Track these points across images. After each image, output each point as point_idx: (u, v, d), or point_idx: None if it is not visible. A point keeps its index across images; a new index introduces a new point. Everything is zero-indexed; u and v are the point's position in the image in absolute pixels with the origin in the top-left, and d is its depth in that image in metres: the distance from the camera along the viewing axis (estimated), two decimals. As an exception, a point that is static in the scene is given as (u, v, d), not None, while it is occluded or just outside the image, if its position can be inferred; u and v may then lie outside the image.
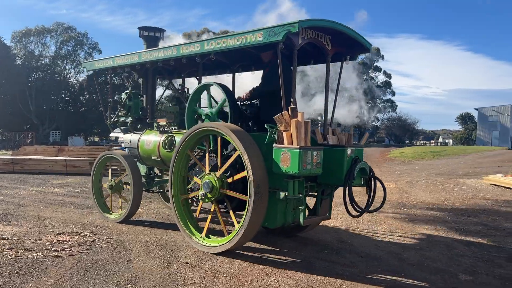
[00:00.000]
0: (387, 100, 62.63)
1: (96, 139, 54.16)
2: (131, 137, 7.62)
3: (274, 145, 4.95)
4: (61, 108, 49.03)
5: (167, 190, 7.59)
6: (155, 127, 7.24)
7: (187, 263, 5.07)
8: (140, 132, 7.51)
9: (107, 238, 6.09)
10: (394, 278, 4.74)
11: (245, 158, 4.92)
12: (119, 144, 8.14)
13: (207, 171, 5.58)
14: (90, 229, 6.60)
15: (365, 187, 5.49)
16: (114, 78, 43.45)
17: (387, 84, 62.27)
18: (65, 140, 43.76)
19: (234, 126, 5.31)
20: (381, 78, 61.83)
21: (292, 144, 4.78)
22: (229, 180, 5.39)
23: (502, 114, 49.80)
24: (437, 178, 15.67)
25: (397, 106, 64.38)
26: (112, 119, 7.87)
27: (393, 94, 63.71)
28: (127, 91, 7.92)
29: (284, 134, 4.83)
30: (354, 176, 5.18)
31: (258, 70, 7.08)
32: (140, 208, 8.22)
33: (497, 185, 13.22)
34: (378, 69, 60.64)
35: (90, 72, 8.73)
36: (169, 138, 6.77)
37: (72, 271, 4.62)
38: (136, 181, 6.96)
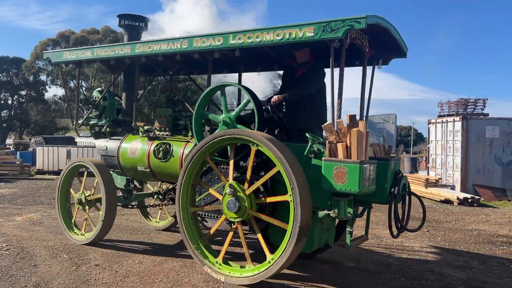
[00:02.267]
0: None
1: None
2: (107, 143, 6.45)
3: (324, 158, 4.27)
4: None
5: (149, 205, 6.57)
6: (140, 133, 6.17)
7: (97, 265, 5.16)
8: (119, 138, 6.37)
9: (7, 245, 5.87)
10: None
11: (290, 180, 4.19)
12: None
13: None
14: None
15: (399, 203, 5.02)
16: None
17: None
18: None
19: (270, 136, 4.54)
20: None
21: (349, 158, 4.14)
22: (260, 201, 4.60)
23: (388, 122, 53.56)
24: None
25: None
26: (81, 122, 6.61)
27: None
28: (100, 89, 6.73)
29: (339, 146, 4.18)
30: (400, 193, 4.68)
31: (264, 71, 6.36)
32: (39, 213, 8.35)
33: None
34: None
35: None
36: (163, 146, 5.77)
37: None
38: (110, 196, 5.79)
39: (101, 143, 6.53)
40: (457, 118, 16.23)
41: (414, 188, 12.14)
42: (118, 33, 40.33)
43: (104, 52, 5.84)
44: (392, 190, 4.65)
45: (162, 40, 5.31)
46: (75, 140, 7.63)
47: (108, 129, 6.45)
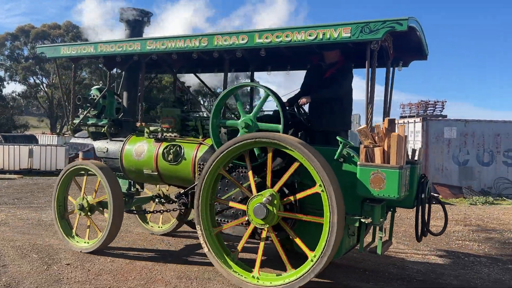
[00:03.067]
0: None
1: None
2: (108, 144, 6.08)
3: (359, 163, 4.15)
4: None
5: (150, 211, 6.24)
6: (146, 134, 5.84)
7: (68, 264, 5.14)
8: (121, 139, 6.01)
9: (-29, 248, 5.68)
10: None
11: (327, 189, 4.05)
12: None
13: (255, 193, 4.51)
14: None
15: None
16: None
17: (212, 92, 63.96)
18: None
19: (300, 140, 4.36)
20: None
21: (387, 162, 4.04)
22: (288, 200, 4.42)
23: (352, 122, 55.28)
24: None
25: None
26: (79, 121, 6.19)
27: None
28: (97, 86, 6.34)
29: (377, 150, 4.06)
30: (426, 197, 4.64)
31: (274, 71, 6.16)
32: (4, 214, 8.13)
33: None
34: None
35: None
36: (174, 148, 5.48)
37: None
38: (117, 201, 5.44)
39: (101, 144, 6.14)
40: (418, 119, 16.74)
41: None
42: (80, 28, 38.87)
43: (110, 48, 5.46)
44: (419, 194, 4.59)
45: (178, 37, 5.00)
46: (70, 141, 7.12)
47: (108, 130, 6.06)
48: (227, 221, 4.91)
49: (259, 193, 4.46)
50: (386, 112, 5.16)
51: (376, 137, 4.13)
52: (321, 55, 5.03)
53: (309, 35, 4.28)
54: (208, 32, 4.85)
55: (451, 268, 5.71)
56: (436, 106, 21.14)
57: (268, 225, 4.41)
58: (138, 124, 5.80)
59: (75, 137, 6.52)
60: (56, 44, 5.98)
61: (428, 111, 20.82)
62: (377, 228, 4.46)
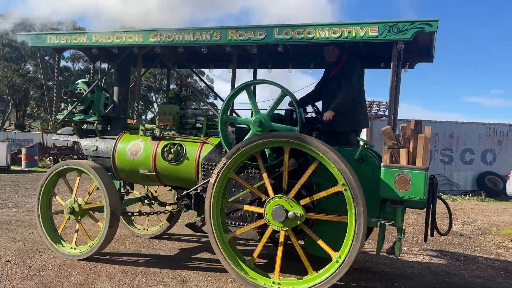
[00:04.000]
0: (210, 103, 64.07)
1: None
2: (97, 142, 5.65)
3: (383, 164, 4.10)
4: None
5: (138, 213, 5.89)
6: (141, 131, 5.50)
7: (8, 261, 5.06)
8: (112, 137, 5.62)
9: None
10: None
11: (352, 191, 3.97)
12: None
13: (272, 195, 4.35)
14: None
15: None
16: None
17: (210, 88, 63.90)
18: None
19: (321, 141, 4.25)
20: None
21: (412, 164, 4.02)
22: (305, 201, 4.29)
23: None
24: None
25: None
26: (63, 117, 5.70)
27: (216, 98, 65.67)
28: (84, 80, 5.88)
29: (402, 151, 4.04)
30: (436, 197, 4.69)
31: (276, 68, 6.02)
32: None
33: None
34: (201, 73, 61.74)
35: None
36: (174, 147, 5.18)
37: None
38: (113, 204, 5.10)
39: (90, 142, 5.69)
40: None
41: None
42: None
43: (107, 39, 5.06)
44: (430, 195, 4.63)
45: (186, 29, 4.73)
46: (53, 138, 6.52)
47: (98, 127, 5.64)
48: (235, 224, 4.72)
49: (277, 195, 4.30)
50: (396, 111, 5.15)
51: (401, 138, 4.10)
52: (324, 54, 4.97)
53: (333, 33, 4.18)
54: (221, 26, 4.60)
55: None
56: (381, 106, 21.94)
57: (287, 228, 4.27)
58: (134, 121, 5.44)
59: (58, 134, 6.00)
60: (41, 32, 5.44)
61: (373, 111, 21.55)
62: (397, 229, 4.43)
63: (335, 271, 4.08)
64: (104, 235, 4.99)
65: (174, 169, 5.20)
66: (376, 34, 4.04)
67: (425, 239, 4.85)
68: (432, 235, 4.84)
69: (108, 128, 5.82)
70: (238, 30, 4.51)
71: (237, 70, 5.07)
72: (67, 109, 5.78)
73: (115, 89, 5.79)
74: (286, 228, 4.26)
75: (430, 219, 4.63)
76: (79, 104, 5.66)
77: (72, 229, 6.12)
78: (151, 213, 5.82)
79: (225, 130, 4.73)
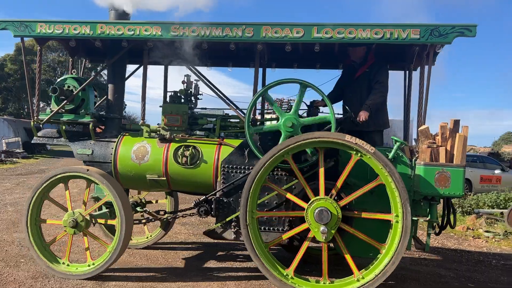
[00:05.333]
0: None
1: None
2: (93, 146, 5.06)
3: (424, 162, 4.24)
4: None
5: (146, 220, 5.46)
6: (146, 133, 5.05)
7: None
8: (111, 139, 5.08)
9: None
10: None
11: (400, 189, 4.03)
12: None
13: (313, 197, 4.26)
14: None
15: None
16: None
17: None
18: None
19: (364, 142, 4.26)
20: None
21: (449, 162, 4.22)
22: (344, 201, 4.28)
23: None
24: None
25: (126, 105, 63.37)
26: (48, 117, 5.00)
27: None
28: (72, 75, 5.24)
29: (441, 150, 4.21)
30: None
31: (279, 68, 5.90)
32: None
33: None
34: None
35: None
36: (189, 149, 4.84)
37: None
38: (128, 214, 4.65)
39: (82, 146, 5.07)
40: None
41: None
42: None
43: (116, 30, 4.54)
44: None
45: (214, 24, 4.42)
46: (33, 141, 5.61)
47: (93, 128, 5.05)
48: (264, 229, 4.58)
49: (318, 197, 4.22)
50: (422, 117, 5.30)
51: (439, 137, 4.27)
52: (350, 53, 5.02)
53: (375, 34, 4.21)
54: (253, 22, 4.38)
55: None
56: (290, 103, 22.89)
57: (333, 230, 4.21)
58: (141, 122, 4.99)
59: (39, 136, 5.25)
60: (29, 19, 4.67)
61: (282, 108, 22.45)
62: (427, 224, 4.59)
63: (383, 269, 4.12)
64: (120, 244, 4.48)
65: (189, 173, 4.86)
66: (418, 36, 4.16)
67: (438, 233, 5.11)
68: (444, 228, 5.12)
69: (99, 130, 5.26)
70: (273, 27, 4.34)
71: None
72: (50, 108, 5.09)
73: (110, 86, 5.24)
74: (333, 231, 4.20)
75: (447, 213, 4.90)
76: (67, 103, 5.01)
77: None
78: (152, 219, 5.36)
79: (255, 141, 4.57)
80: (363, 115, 4.73)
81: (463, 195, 4.22)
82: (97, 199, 5.02)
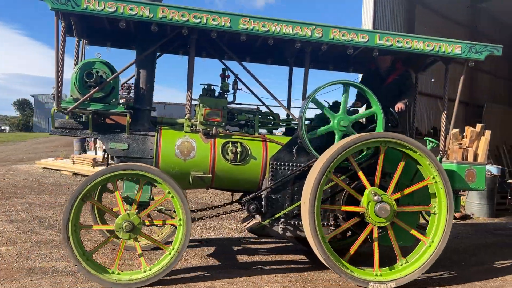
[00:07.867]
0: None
1: None
2: (130, 140, 4.58)
3: (457, 161, 4.91)
4: None
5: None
6: (187, 127, 4.76)
7: None
8: (149, 133, 4.67)
9: None
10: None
11: (446, 184, 4.59)
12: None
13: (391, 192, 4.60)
14: None
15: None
16: None
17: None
18: None
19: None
20: None
21: (474, 160, 4.98)
22: (396, 196, 4.69)
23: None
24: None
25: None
26: (74, 105, 4.34)
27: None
28: (101, 59, 4.63)
29: (470, 150, 4.94)
30: None
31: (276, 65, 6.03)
32: None
33: (48, 168, 13.69)
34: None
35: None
36: (237, 145, 4.73)
37: None
38: (189, 215, 4.40)
39: (117, 139, 4.54)
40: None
41: (82, 168, 12.79)
42: None
43: (180, 16, 4.17)
44: None
45: (286, 22, 4.39)
46: (51, 129, 4.59)
47: (129, 120, 4.55)
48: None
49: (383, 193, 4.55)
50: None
51: (467, 139, 5.00)
52: (379, 62, 5.41)
53: (427, 46, 4.70)
54: (322, 23, 4.48)
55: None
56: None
57: (388, 223, 4.59)
58: (187, 116, 4.68)
59: (57, 127, 4.51)
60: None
61: None
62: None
63: (431, 255, 4.66)
64: (181, 246, 4.21)
65: (237, 170, 4.75)
66: (460, 52, 4.77)
67: None
68: None
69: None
70: (341, 30, 4.51)
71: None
72: (73, 97, 4.44)
73: (142, 74, 4.76)
74: (388, 223, 4.58)
75: None
76: (98, 91, 4.42)
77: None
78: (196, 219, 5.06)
79: (311, 143, 4.71)
80: (399, 105, 5.19)
81: (484, 188, 5.00)
82: (126, 198, 4.55)
